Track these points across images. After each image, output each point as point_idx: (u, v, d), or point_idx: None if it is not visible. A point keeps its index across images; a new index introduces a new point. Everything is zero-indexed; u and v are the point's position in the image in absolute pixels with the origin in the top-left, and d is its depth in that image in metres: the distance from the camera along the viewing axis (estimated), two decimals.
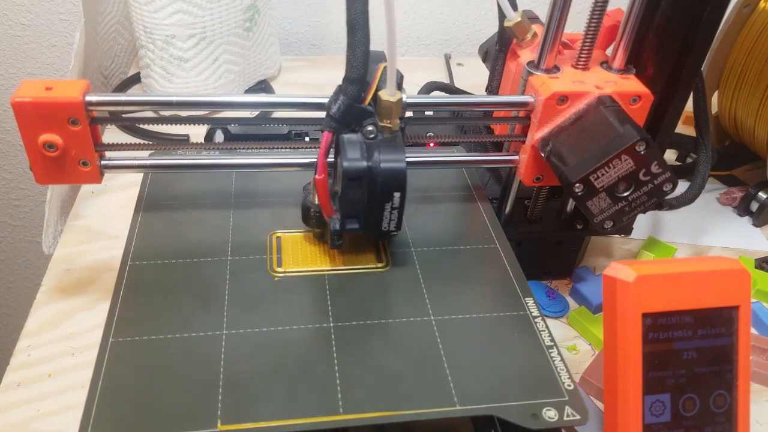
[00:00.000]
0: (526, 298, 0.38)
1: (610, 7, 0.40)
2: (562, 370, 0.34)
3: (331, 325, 0.35)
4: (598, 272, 0.51)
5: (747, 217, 0.60)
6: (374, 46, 0.34)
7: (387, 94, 0.35)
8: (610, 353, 0.32)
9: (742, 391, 0.33)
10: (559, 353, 0.34)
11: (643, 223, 0.57)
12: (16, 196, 0.91)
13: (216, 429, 0.29)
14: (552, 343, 0.35)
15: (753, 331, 0.48)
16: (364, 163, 0.35)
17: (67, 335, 0.43)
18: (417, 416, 0.31)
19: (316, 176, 0.35)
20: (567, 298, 0.49)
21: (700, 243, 0.57)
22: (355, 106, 0.35)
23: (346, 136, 0.36)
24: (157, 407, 0.30)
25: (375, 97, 0.35)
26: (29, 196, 0.92)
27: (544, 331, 0.36)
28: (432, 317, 0.36)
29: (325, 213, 0.37)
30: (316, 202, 0.37)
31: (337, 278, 0.38)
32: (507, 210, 0.46)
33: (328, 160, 0.36)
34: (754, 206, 0.59)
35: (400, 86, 0.37)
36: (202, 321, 0.35)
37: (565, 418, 0.31)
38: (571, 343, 0.46)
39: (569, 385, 0.33)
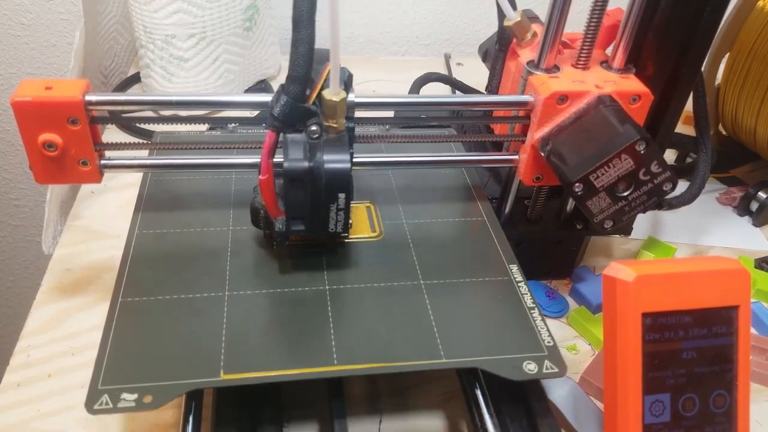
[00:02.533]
0: (510, 265, 0.40)
1: (609, 7, 0.40)
2: (543, 328, 0.36)
3: (327, 287, 0.37)
4: (598, 272, 0.51)
5: (747, 217, 0.60)
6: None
7: (330, 94, 0.34)
8: (610, 353, 0.32)
9: (742, 391, 0.33)
10: (541, 314, 0.37)
11: (642, 223, 0.57)
12: (16, 195, 0.91)
13: (219, 378, 0.31)
14: (533, 305, 0.37)
15: (753, 331, 0.48)
16: (306, 164, 0.34)
17: (67, 335, 0.43)
18: (406, 368, 0.33)
19: (260, 177, 0.35)
20: (567, 298, 0.49)
21: (700, 243, 0.57)
22: (299, 105, 0.34)
23: (290, 136, 0.35)
24: (164, 359, 0.32)
25: (320, 96, 0.35)
26: (29, 195, 0.92)
27: (526, 294, 0.38)
28: (422, 281, 0.38)
29: (272, 214, 0.37)
30: (264, 203, 0.37)
31: (332, 246, 0.40)
32: (507, 210, 0.46)
33: (277, 160, 0.35)
34: (754, 206, 0.59)
35: (348, 85, 0.36)
36: (206, 284, 0.37)
37: (544, 371, 0.33)
38: (571, 343, 0.46)
39: (549, 342, 0.35)
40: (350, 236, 0.41)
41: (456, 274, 0.39)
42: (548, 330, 0.35)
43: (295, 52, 0.33)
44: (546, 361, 0.34)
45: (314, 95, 0.35)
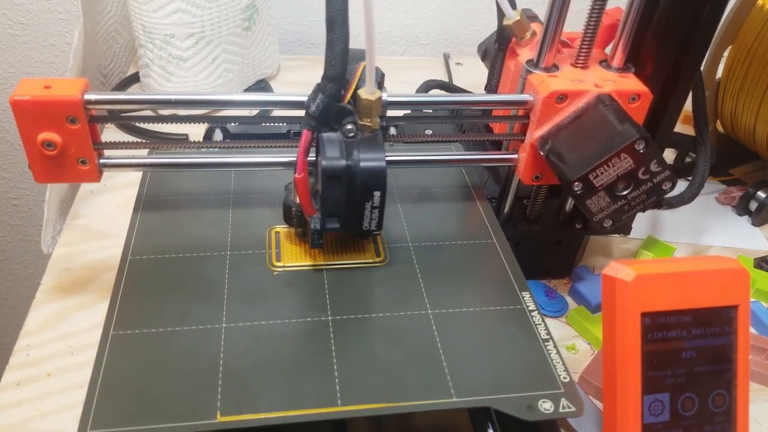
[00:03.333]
0: (522, 293, 0.38)
1: (609, 6, 0.40)
2: (558, 363, 0.34)
3: (330, 318, 0.35)
4: (597, 272, 0.51)
5: (746, 217, 0.60)
6: (357, 44, 0.33)
7: (366, 93, 0.35)
8: (609, 353, 0.32)
9: (741, 391, 0.33)
10: (555, 346, 0.35)
11: (642, 223, 0.57)
12: (15, 195, 0.91)
13: (215, 420, 0.30)
14: (548, 337, 0.35)
15: (752, 330, 0.48)
16: (343, 162, 0.34)
17: (67, 334, 0.43)
18: (414, 408, 0.31)
19: (296, 175, 0.35)
20: (566, 298, 0.49)
21: (699, 242, 0.57)
22: (334, 104, 0.35)
23: (326, 135, 0.35)
24: (157, 399, 0.31)
25: (355, 95, 0.35)
26: (28, 195, 0.92)
27: (540, 324, 0.36)
28: (429, 311, 0.36)
29: (306, 212, 0.37)
30: (298, 201, 0.37)
31: (335, 272, 0.38)
32: (506, 209, 0.46)
33: (310, 158, 0.36)
34: (753, 205, 0.59)
35: (380, 85, 0.37)
36: (202, 314, 0.35)
37: (561, 410, 0.32)
38: (570, 343, 0.46)
39: (565, 378, 0.33)
40: (354, 261, 0.39)
41: (465, 302, 0.37)
42: (564, 364, 0.34)
43: (332, 51, 0.33)
44: (562, 400, 0.32)
45: (349, 94, 0.35)
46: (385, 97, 0.37)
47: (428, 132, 0.48)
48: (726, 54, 0.59)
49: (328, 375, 0.32)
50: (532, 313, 0.37)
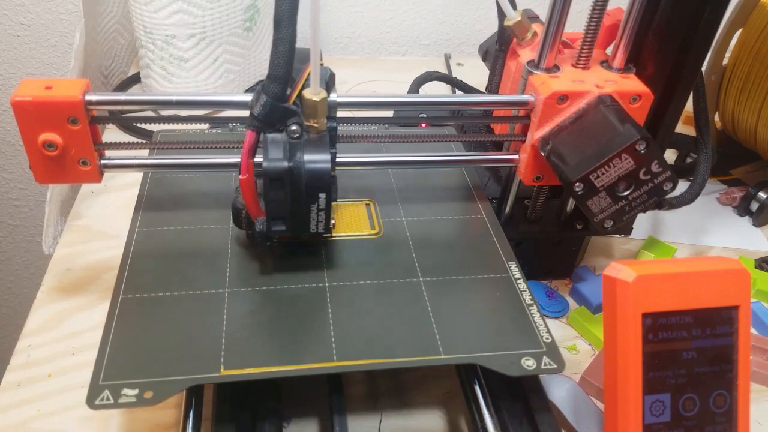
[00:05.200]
0: (509, 262, 0.40)
1: (610, 6, 0.40)
2: (541, 325, 0.36)
3: (327, 284, 0.37)
4: (598, 272, 0.51)
5: (747, 217, 0.60)
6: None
7: (310, 93, 0.34)
8: (610, 353, 0.32)
9: (742, 391, 0.33)
10: (539, 311, 0.37)
11: (643, 223, 0.57)
12: (16, 195, 0.91)
13: (219, 374, 0.32)
14: (532, 302, 0.37)
15: (753, 331, 0.48)
16: (286, 163, 0.34)
17: (67, 335, 0.43)
18: (405, 364, 0.33)
19: (240, 176, 0.34)
20: (567, 298, 0.49)
21: (700, 243, 0.57)
22: (278, 105, 0.34)
23: (270, 136, 0.35)
24: (164, 355, 0.32)
25: (300, 96, 0.35)
26: (29, 196, 0.92)
27: (525, 291, 0.38)
28: (420, 279, 0.38)
29: (252, 214, 0.36)
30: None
31: (332, 243, 0.40)
32: (507, 210, 0.46)
33: (257, 160, 0.35)
34: (754, 206, 0.59)
35: (330, 85, 0.36)
36: (206, 281, 0.37)
37: (543, 367, 0.33)
38: (571, 343, 0.46)
39: (547, 339, 0.35)
40: (350, 234, 0.41)
41: (455, 271, 0.39)
42: (547, 327, 0.36)
43: (276, 51, 0.33)
44: (544, 358, 0.34)
45: (295, 95, 0.35)
46: (333, 97, 0.36)
47: (423, 115, 0.48)
48: (739, 31, 0.58)
49: (325, 334, 0.34)
50: (518, 281, 0.39)
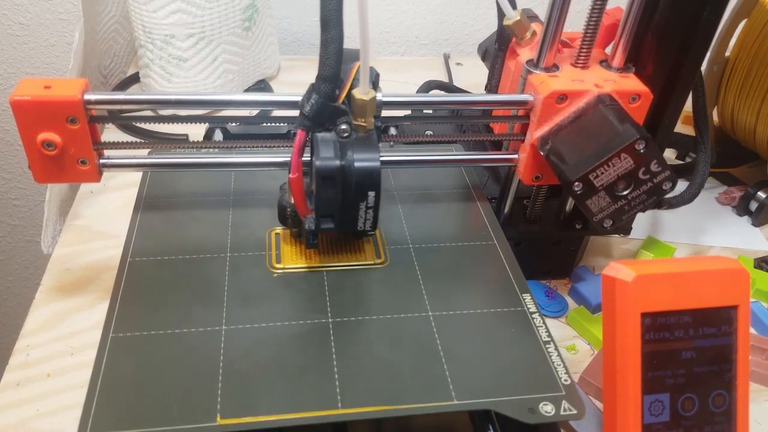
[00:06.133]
0: (523, 294, 0.38)
1: (609, 6, 0.40)
2: (559, 365, 0.34)
3: (330, 320, 0.35)
4: (597, 272, 0.51)
5: (746, 217, 0.60)
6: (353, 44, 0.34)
7: (360, 93, 0.35)
8: (609, 353, 0.32)
9: (741, 391, 0.33)
10: (557, 348, 0.35)
11: (642, 223, 0.57)
12: (15, 195, 0.91)
13: (215, 423, 0.30)
14: (549, 339, 0.35)
15: (752, 330, 0.48)
16: (337, 162, 0.34)
17: (66, 335, 0.43)
18: (414, 411, 0.31)
19: (290, 175, 0.35)
20: (566, 298, 0.49)
21: (699, 243, 0.57)
22: (329, 104, 0.35)
23: (320, 135, 0.35)
24: (156, 401, 0.30)
25: (349, 95, 0.35)
26: (28, 195, 0.92)
27: (541, 326, 0.36)
28: (430, 313, 0.36)
29: (300, 212, 0.37)
30: (292, 201, 0.37)
31: (335, 274, 0.38)
32: (506, 209, 0.46)
33: (305, 159, 0.36)
34: (753, 206, 0.59)
35: (375, 85, 0.36)
36: (202, 317, 0.35)
37: (562, 413, 0.31)
38: (570, 343, 0.46)
39: (566, 380, 0.33)
40: (354, 263, 0.39)
41: (466, 304, 0.37)
42: (565, 366, 0.34)
43: (325, 51, 0.33)
44: (564, 402, 0.32)
45: (344, 94, 0.35)
46: (379, 97, 0.36)
47: (429, 133, 0.48)
48: (743, 22, 0.57)
49: (329, 377, 0.32)
50: (533, 315, 0.37)
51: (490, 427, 0.34)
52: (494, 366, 0.34)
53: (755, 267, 0.53)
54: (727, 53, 0.59)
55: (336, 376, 0.32)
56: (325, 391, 0.32)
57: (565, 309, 0.48)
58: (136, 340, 0.33)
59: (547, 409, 0.31)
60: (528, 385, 0.32)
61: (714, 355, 0.32)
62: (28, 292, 0.99)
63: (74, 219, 0.52)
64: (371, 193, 0.35)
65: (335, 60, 0.33)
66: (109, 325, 0.34)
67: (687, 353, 0.32)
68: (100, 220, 0.52)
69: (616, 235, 0.53)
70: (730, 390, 0.32)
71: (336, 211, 0.36)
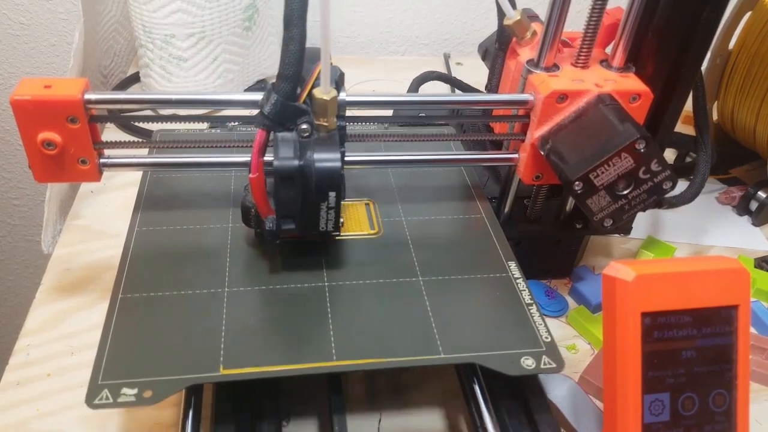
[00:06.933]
0: (508, 261, 0.40)
1: (609, 6, 0.40)
2: (540, 324, 0.36)
3: (326, 284, 0.37)
4: (598, 272, 0.51)
5: (746, 217, 0.60)
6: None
7: (321, 92, 0.34)
8: (610, 352, 0.32)
9: (742, 391, 0.33)
10: (539, 310, 0.37)
11: (642, 223, 0.57)
12: (15, 195, 0.91)
13: (218, 373, 0.32)
14: (531, 301, 0.37)
15: (752, 330, 0.48)
16: (296, 162, 0.34)
17: (67, 334, 0.43)
18: (404, 363, 0.33)
19: (250, 175, 0.35)
20: (566, 298, 0.49)
21: (700, 242, 0.57)
22: (289, 104, 0.34)
23: (280, 135, 0.35)
24: (164, 354, 0.32)
25: (311, 95, 0.35)
26: (28, 195, 0.92)
27: (524, 290, 0.38)
28: (420, 278, 0.38)
29: (262, 213, 0.36)
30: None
31: (331, 243, 0.40)
32: (506, 209, 0.46)
33: (267, 158, 0.35)
34: (754, 205, 0.59)
35: (339, 84, 0.36)
36: (205, 280, 0.37)
37: (542, 366, 0.33)
38: (570, 343, 0.46)
39: (546, 338, 0.35)
40: (349, 233, 0.41)
41: (454, 270, 0.39)
42: (546, 326, 0.36)
43: (286, 50, 0.33)
44: (544, 357, 0.34)
45: (305, 94, 0.35)
46: (342, 96, 0.36)
47: (421, 114, 0.48)
48: (747, 14, 0.57)
49: (324, 334, 0.34)
50: (517, 280, 0.39)
51: (476, 381, 0.36)
52: (479, 325, 0.36)
53: (755, 267, 0.53)
54: (731, 46, 0.58)
55: (331, 332, 0.34)
56: (321, 345, 0.33)
57: (565, 309, 0.48)
58: (144, 300, 0.35)
59: (528, 362, 0.33)
60: (511, 342, 0.35)
61: (714, 355, 0.32)
62: (28, 292, 0.99)
63: (74, 219, 0.52)
64: (332, 194, 0.35)
65: (296, 59, 0.33)
66: (118, 288, 0.36)
67: (687, 353, 0.32)
68: (100, 220, 0.52)
69: (617, 235, 0.53)
70: (730, 390, 0.32)
71: (297, 212, 0.36)
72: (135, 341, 0.33)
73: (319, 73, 0.34)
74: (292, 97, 0.34)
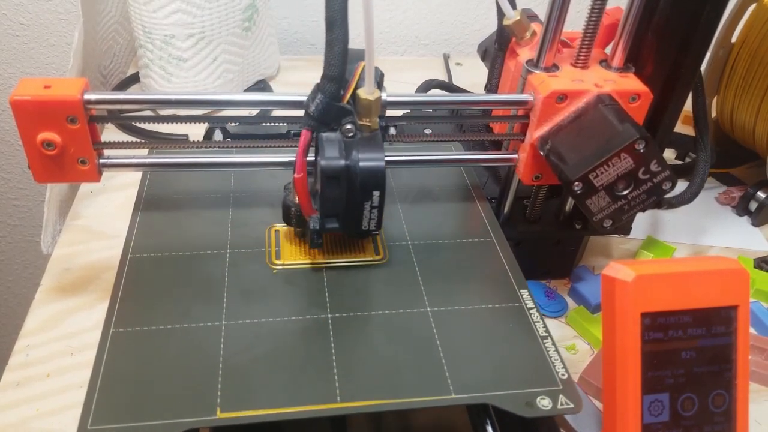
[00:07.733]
0: (521, 290, 0.38)
1: (609, 6, 0.40)
2: (557, 360, 0.34)
3: (329, 316, 0.35)
4: (597, 272, 0.51)
5: (746, 217, 0.60)
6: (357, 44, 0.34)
7: (365, 93, 0.35)
8: (609, 353, 0.32)
9: (741, 391, 0.33)
10: (554, 344, 0.35)
11: (641, 223, 0.57)
12: (15, 195, 0.91)
13: (215, 416, 0.30)
14: (546, 334, 0.35)
15: (752, 330, 0.48)
16: (342, 162, 0.35)
17: (66, 335, 0.43)
18: (413, 404, 0.31)
19: (295, 175, 0.35)
20: (566, 298, 0.49)
21: (699, 243, 0.57)
22: (334, 104, 0.35)
23: (325, 135, 0.35)
24: (157, 395, 0.31)
25: (354, 95, 0.35)
26: (28, 195, 0.92)
27: (538, 322, 0.36)
28: (428, 309, 0.36)
29: (305, 212, 0.37)
30: (297, 200, 0.37)
31: (334, 271, 0.38)
32: (506, 209, 0.46)
33: (309, 158, 0.36)
34: (753, 206, 0.59)
35: (380, 85, 0.37)
36: (202, 312, 0.35)
37: (559, 407, 0.31)
38: (570, 343, 0.46)
39: (563, 375, 0.33)
40: (354, 259, 0.39)
41: (464, 300, 0.37)
42: (562, 361, 0.34)
43: (330, 51, 0.33)
44: (561, 396, 0.32)
45: (349, 94, 0.35)
46: (384, 96, 0.37)
47: (428, 131, 0.48)
48: (752, 6, 0.57)
49: (328, 372, 0.32)
50: (531, 311, 0.37)
51: (488, 422, 0.34)
52: (492, 361, 0.34)
53: (755, 267, 0.53)
54: (734, 39, 0.58)
55: (335, 370, 0.32)
56: (324, 385, 0.32)
57: (565, 309, 0.48)
58: (137, 335, 0.33)
59: (544, 403, 0.32)
60: (525, 380, 0.33)
61: (714, 355, 0.32)
62: (28, 292, 0.99)
63: (74, 219, 0.52)
64: (376, 193, 0.35)
65: (340, 60, 0.33)
66: (110, 321, 0.34)
67: (687, 353, 0.32)
68: (100, 220, 0.52)
69: (616, 235, 0.53)
70: (729, 390, 0.32)
71: (341, 211, 0.36)
72: (127, 381, 0.31)
73: (361, 73, 0.35)
74: (337, 97, 0.35)
